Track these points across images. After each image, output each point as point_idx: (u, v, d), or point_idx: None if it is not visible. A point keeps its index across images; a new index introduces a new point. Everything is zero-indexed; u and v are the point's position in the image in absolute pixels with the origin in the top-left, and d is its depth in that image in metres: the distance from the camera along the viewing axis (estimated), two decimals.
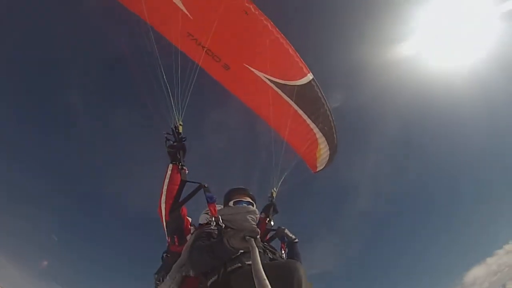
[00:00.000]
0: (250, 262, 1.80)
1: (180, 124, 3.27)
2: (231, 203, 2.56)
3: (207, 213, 2.78)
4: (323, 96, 4.07)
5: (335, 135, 4.21)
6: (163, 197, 2.72)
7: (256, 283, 1.24)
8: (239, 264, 1.95)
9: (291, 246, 2.75)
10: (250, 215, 2.44)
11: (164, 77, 3.40)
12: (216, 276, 1.96)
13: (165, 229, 2.72)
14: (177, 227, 2.67)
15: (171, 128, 3.22)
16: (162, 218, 2.70)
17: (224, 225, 2.26)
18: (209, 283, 1.99)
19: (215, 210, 2.38)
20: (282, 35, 3.76)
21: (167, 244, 2.77)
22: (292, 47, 3.84)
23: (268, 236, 3.10)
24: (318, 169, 4.41)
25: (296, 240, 2.81)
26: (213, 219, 2.29)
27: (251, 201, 2.62)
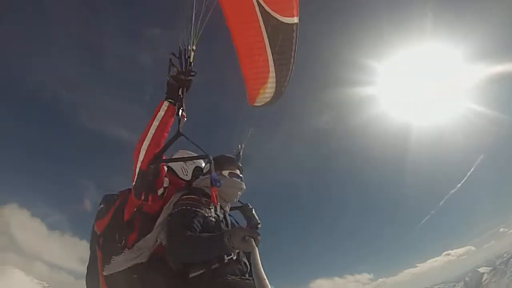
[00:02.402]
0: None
1: (193, 50, 2.60)
2: (225, 173, 2.47)
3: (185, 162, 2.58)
4: (296, 44, 4.28)
5: (286, 84, 4.55)
6: (146, 142, 2.22)
7: (256, 283, 1.23)
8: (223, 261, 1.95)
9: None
10: (240, 192, 2.51)
11: None
12: (203, 271, 1.92)
13: (136, 178, 2.25)
14: (152, 182, 2.25)
15: (180, 48, 2.49)
16: (137, 165, 2.23)
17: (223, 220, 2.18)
18: (191, 275, 1.94)
19: (216, 197, 2.15)
20: None
21: (139, 200, 2.29)
22: None
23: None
24: (254, 104, 4.74)
25: (260, 225, 2.71)
26: (213, 208, 2.14)
27: (241, 176, 2.58)
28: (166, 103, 2.33)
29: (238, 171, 2.54)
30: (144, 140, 2.22)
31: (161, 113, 2.29)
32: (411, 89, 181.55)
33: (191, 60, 2.52)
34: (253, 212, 2.72)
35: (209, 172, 2.24)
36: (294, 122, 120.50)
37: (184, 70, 2.46)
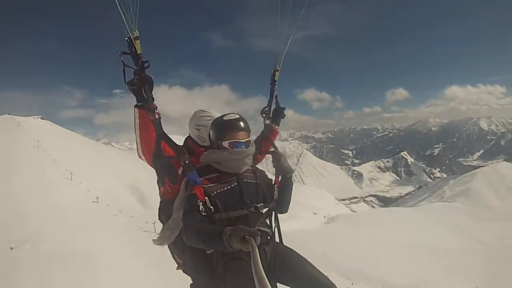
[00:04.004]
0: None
1: (136, 37, 2.13)
2: (226, 144, 2.15)
3: (198, 129, 2.49)
4: None
5: None
6: (140, 151, 2.33)
7: (256, 283, 1.23)
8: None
9: (285, 178, 2.37)
10: (248, 158, 2.22)
11: None
12: (212, 250, 2.03)
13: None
14: (165, 169, 2.35)
15: (126, 39, 2.13)
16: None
17: (214, 206, 2.05)
18: (207, 252, 2.06)
19: (201, 195, 2.04)
20: None
21: (159, 190, 2.47)
22: None
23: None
24: None
25: (290, 174, 2.39)
26: (201, 203, 2.01)
27: (249, 138, 2.22)
28: (136, 110, 2.25)
29: (241, 135, 2.18)
30: (137, 148, 2.34)
31: (136, 120, 2.27)
32: None
33: (139, 52, 2.15)
34: (282, 160, 2.39)
35: (187, 170, 2.16)
36: None
37: (137, 68, 2.18)
